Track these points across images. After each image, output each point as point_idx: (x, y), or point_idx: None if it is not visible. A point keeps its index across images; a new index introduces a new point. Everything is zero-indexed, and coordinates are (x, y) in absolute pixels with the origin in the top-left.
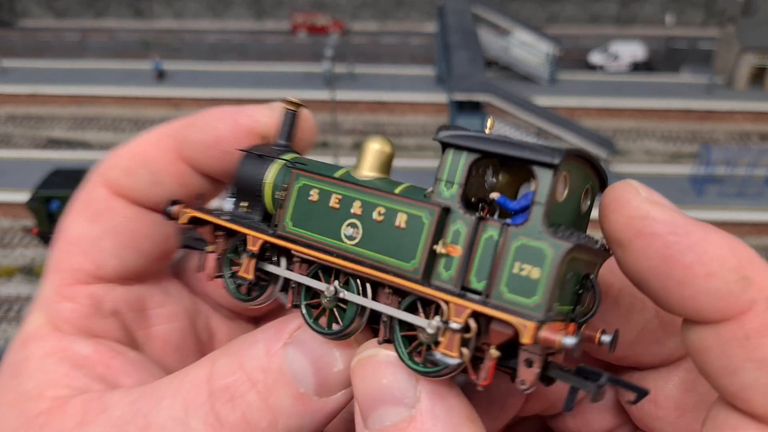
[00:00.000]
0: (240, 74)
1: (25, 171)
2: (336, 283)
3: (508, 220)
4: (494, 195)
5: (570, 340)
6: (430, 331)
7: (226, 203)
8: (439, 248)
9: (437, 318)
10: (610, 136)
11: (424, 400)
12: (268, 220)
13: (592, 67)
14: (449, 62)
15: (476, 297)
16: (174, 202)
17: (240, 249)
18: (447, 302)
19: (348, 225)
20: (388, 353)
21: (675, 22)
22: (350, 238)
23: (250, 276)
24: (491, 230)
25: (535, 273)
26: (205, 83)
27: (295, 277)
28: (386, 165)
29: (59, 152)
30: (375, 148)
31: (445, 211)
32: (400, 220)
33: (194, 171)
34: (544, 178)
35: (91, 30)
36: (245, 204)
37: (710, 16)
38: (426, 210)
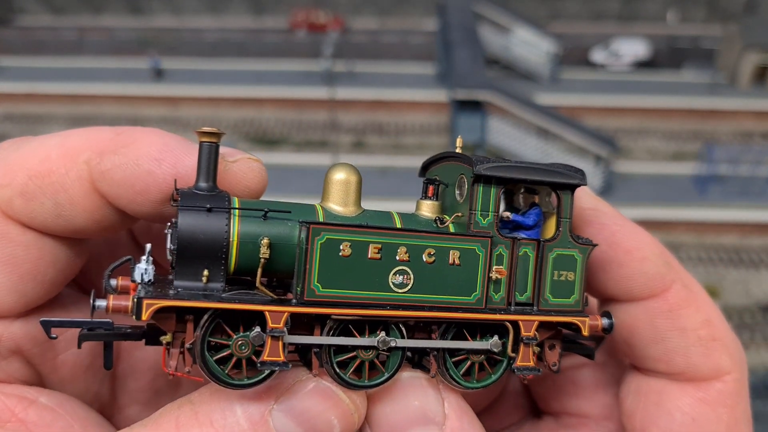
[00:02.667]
0: (239, 72)
1: None
2: (383, 334)
3: (522, 234)
4: (507, 214)
5: (607, 321)
6: (496, 349)
7: (142, 271)
8: (494, 275)
9: (495, 337)
10: (611, 134)
11: (452, 417)
12: (236, 284)
13: (594, 65)
14: (450, 60)
15: (528, 309)
16: (97, 294)
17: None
18: (517, 321)
19: (396, 273)
20: (416, 375)
21: (677, 20)
22: (401, 285)
23: (282, 358)
24: (524, 248)
25: (571, 276)
26: (203, 81)
27: (344, 341)
28: (357, 194)
29: None
30: (340, 178)
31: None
32: (454, 257)
33: (109, 206)
34: (567, 198)
35: (88, 28)
36: (206, 273)
37: (713, 13)
38: (478, 242)
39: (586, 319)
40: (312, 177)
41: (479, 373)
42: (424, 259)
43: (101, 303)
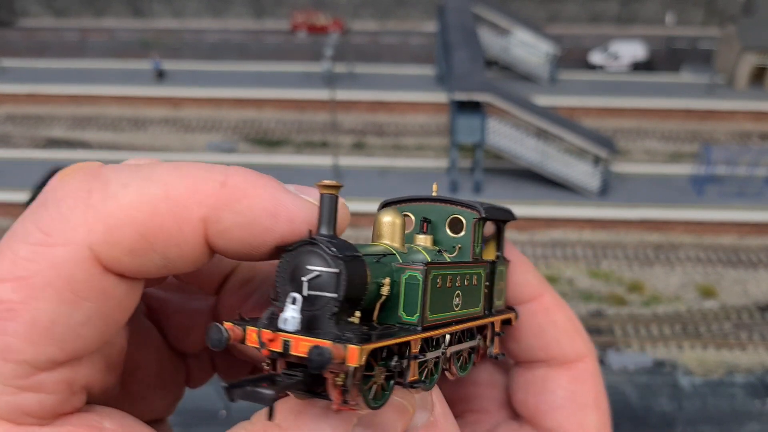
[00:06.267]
0: (240, 74)
1: (25, 171)
2: (444, 344)
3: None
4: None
5: (514, 312)
6: (481, 344)
7: (297, 320)
8: (484, 290)
9: (479, 335)
10: (610, 135)
11: (437, 404)
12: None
13: (592, 67)
14: (449, 61)
15: (489, 312)
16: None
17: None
18: (494, 322)
19: (456, 296)
20: None
21: (675, 22)
22: (457, 305)
23: (417, 376)
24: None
25: (502, 285)
26: (204, 83)
27: (443, 350)
28: (402, 233)
29: (59, 152)
30: (388, 221)
31: None
32: (474, 279)
33: (213, 253)
34: (503, 228)
35: (90, 29)
36: (357, 314)
37: (711, 15)
38: (482, 267)
39: (513, 313)
40: (313, 178)
41: (464, 364)
42: (465, 283)
43: (322, 358)
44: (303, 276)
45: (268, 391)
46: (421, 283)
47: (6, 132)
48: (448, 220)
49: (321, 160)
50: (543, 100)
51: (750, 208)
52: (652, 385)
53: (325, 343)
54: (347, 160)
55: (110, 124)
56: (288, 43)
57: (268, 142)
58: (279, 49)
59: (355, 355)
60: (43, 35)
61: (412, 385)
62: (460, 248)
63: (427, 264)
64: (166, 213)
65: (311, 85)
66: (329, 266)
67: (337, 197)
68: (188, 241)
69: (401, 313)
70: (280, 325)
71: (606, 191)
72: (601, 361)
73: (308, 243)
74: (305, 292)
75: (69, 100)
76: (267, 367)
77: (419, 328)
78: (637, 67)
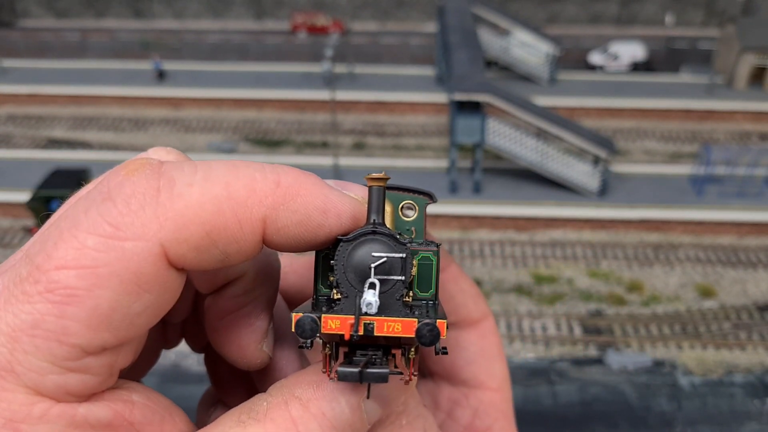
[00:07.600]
0: (240, 74)
1: (25, 171)
2: None
3: None
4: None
5: None
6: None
7: (372, 296)
8: None
9: None
10: (609, 135)
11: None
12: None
13: (592, 67)
14: (449, 62)
15: None
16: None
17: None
18: None
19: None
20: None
21: (675, 22)
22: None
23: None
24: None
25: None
26: (205, 83)
27: None
28: (392, 221)
29: (59, 152)
30: (387, 210)
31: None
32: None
33: (263, 246)
34: None
35: (91, 30)
36: (411, 294)
37: (710, 16)
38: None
39: None
40: None
41: None
42: None
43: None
44: (370, 263)
45: (383, 370)
46: (435, 263)
47: (7, 132)
48: (401, 205)
49: (321, 161)
50: (543, 100)
51: (749, 208)
52: (652, 384)
53: (428, 321)
54: (347, 161)
55: (111, 124)
56: (288, 44)
57: (268, 142)
58: (279, 50)
59: (443, 328)
60: (44, 36)
61: (445, 351)
62: (415, 230)
63: (438, 246)
64: (228, 212)
65: (311, 85)
66: (395, 252)
67: (384, 189)
68: (247, 238)
69: (416, 290)
70: (365, 309)
71: (605, 191)
72: (601, 361)
73: (371, 232)
74: (374, 278)
75: (70, 100)
76: (327, 352)
77: (437, 302)
78: (637, 67)
